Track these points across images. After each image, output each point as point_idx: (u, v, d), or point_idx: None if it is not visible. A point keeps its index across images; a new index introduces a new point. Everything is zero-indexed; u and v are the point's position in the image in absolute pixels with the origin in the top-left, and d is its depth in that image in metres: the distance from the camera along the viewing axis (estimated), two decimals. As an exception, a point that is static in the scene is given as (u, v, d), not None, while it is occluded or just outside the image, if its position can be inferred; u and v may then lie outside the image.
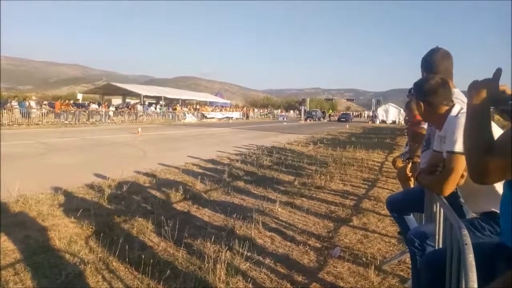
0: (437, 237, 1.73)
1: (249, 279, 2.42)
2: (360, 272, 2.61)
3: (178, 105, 35.54)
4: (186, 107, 36.97)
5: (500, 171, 0.97)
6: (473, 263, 1.05)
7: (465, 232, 1.14)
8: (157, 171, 6.30)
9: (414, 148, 3.31)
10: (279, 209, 4.12)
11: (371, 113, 50.06)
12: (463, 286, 1.09)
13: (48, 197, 4.29)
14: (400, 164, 4.07)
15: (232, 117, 38.22)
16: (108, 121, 24.21)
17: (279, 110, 58.98)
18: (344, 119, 44.72)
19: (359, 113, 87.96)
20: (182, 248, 2.88)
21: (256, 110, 51.23)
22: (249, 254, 2.81)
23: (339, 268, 2.66)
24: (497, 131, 1.28)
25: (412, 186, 3.48)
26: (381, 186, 5.63)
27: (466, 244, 1.10)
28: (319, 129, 24.41)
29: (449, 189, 1.62)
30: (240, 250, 2.80)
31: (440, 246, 1.67)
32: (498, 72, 1.03)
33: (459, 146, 1.54)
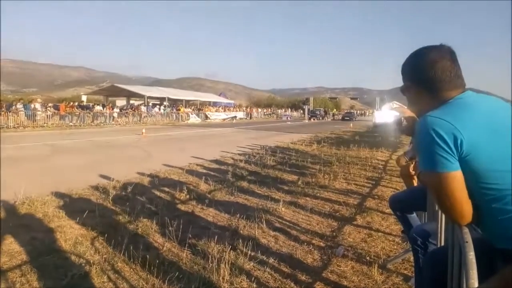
0: (439, 235, 1.73)
1: (253, 279, 2.43)
2: (364, 271, 2.61)
3: (181, 106, 35.64)
4: (190, 107, 37.08)
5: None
6: (474, 261, 1.05)
7: (466, 230, 1.14)
8: (161, 172, 6.34)
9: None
10: (283, 209, 4.13)
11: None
12: (464, 284, 1.09)
13: (54, 198, 4.33)
14: (403, 162, 4.06)
15: (236, 117, 38.24)
16: (113, 122, 24.38)
17: (283, 110, 58.92)
18: (348, 118, 44.64)
19: (363, 111, 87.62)
20: (186, 248, 2.90)
21: (260, 109, 51.22)
22: (253, 253, 2.82)
23: (342, 267, 2.67)
24: None
25: (415, 184, 3.47)
26: (385, 185, 5.62)
27: (467, 242, 1.10)
28: (323, 128, 24.35)
29: None
30: (244, 250, 2.81)
31: (442, 244, 1.67)
32: None
33: None
